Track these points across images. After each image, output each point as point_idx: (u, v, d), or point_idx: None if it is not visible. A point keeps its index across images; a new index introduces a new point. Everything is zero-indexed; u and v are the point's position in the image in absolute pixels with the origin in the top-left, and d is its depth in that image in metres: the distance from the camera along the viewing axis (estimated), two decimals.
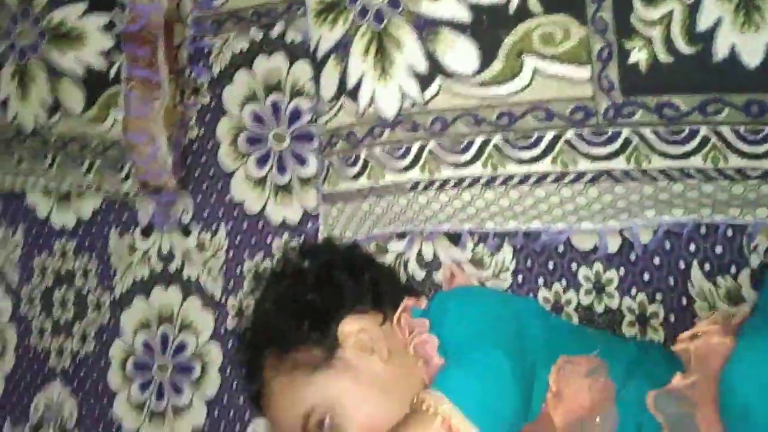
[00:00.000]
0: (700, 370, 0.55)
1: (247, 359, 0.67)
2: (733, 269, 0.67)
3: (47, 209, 1.09)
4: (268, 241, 0.91)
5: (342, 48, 0.72)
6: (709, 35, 0.55)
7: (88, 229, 1.05)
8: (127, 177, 0.92)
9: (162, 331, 0.97)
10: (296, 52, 0.88)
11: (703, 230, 0.68)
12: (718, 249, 0.68)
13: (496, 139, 0.64)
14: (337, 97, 0.73)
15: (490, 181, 0.67)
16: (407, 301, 0.64)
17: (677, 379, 0.54)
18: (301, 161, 0.89)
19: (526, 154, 0.64)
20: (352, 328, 0.60)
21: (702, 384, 0.54)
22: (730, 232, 0.67)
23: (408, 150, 0.69)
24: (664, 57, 0.56)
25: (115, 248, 1.02)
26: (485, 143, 0.65)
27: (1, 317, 1.11)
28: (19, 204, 1.11)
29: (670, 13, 0.56)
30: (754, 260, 0.66)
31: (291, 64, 0.89)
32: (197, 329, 0.95)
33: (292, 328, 0.61)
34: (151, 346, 0.98)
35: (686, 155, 0.58)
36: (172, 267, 0.97)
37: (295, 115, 0.89)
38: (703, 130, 0.57)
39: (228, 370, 0.92)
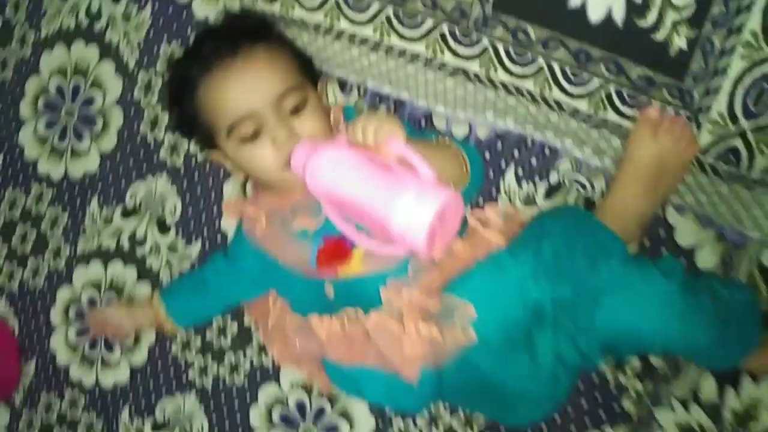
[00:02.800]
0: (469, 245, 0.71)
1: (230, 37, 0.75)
2: (537, 179, 0.84)
3: None
4: (188, 32, 0.99)
5: None
6: None
7: None
8: None
9: (75, 82, 1.06)
10: None
11: (528, 143, 0.83)
12: (534, 161, 0.83)
13: (388, 10, 0.74)
14: None
15: (376, 46, 0.77)
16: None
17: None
18: None
19: (408, 33, 0.74)
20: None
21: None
22: (547, 151, 0.83)
23: None
24: None
25: None
26: (379, 11, 0.75)
27: None
28: None
29: None
30: (553, 177, 0.83)
31: None
32: (106, 89, 1.04)
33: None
34: (63, 91, 1.07)
35: (523, 77, 0.71)
36: (97, 27, 1.04)
37: None
38: (540, 61, 0.69)
39: (126, 134, 1.04)
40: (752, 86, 0.62)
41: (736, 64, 0.62)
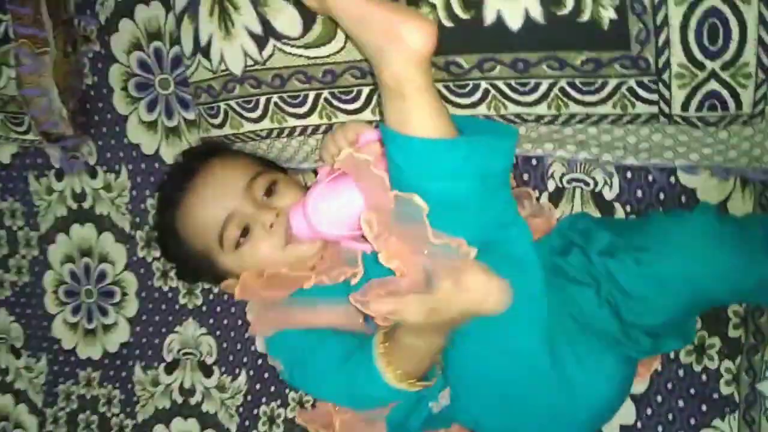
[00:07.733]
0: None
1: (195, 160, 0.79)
2: (537, 192, 0.80)
3: None
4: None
5: (192, 6, 0.78)
6: (480, 2, 0.63)
7: (9, 174, 1.14)
8: (28, 130, 1.00)
9: (84, 263, 1.10)
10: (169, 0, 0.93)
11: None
12: (525, 176, 0.80)
13: (326, 93, 0.73)
14: (194, 53, 0.80)
15: (327, 129, 0.76)
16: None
17: None
18: (185, 105, 0.97)
19: (350, 107, 0.73)
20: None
21: None
22: (534, 162, 0.79)
23: (257, 103, 0.78)
24: (446, 21, 0.64)
25: (35, 190, 1.12)
26: (317, 96, 0.74)
27: None
28: None
29: None
30: (551, 185, 0.79)
31: (167, 11, 0.95)
32: (114, 260, 1.07)
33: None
34: (77, 275, 1.11)
35: (473, 105, 0.68)
36: (86, 205, 1.08)
37: (176, 61, 0.96)
38: (483, 84, 0.66)
39: (144, 294, 1.05)
40: (700, 26, 0.58)
41: (675, 12, 0.58)
